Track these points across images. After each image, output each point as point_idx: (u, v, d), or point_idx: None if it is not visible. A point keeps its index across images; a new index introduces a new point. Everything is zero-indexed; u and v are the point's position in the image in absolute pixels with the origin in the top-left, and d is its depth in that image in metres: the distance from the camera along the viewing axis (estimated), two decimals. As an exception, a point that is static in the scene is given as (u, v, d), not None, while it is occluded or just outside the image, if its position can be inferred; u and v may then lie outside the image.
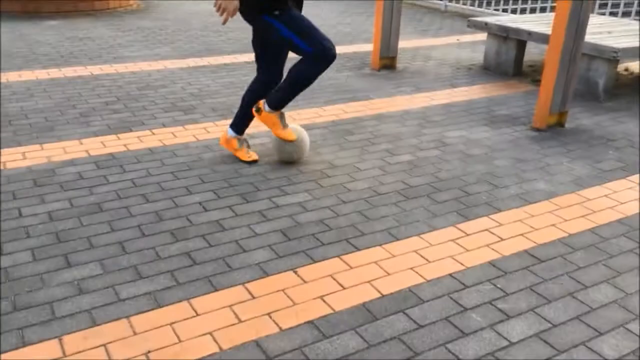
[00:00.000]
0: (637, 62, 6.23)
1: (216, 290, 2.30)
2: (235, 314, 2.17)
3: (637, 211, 3.07)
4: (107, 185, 3.17)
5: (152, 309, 2.18)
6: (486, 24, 5.89)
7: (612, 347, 2.05)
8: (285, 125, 3.46)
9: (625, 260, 2.61)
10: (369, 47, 6.83)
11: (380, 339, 2.05)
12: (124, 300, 2.22)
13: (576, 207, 3.10)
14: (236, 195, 3.10)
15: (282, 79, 3.32)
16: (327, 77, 5.51)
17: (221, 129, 4.07)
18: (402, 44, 6.65)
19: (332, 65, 6.02)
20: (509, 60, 5.79)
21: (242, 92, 5.13)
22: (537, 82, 5.62)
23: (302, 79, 3.20)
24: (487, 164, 3.62)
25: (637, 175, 3.53)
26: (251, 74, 5.49)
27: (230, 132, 3.57)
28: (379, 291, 2.32)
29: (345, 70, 5.80)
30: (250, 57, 6.15)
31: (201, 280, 2.36)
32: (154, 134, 3.95)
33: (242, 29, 7.52)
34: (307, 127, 4.15)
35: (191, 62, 5.93)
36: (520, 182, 3.39)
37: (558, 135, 4.17)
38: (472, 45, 7.16)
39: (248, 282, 2.36)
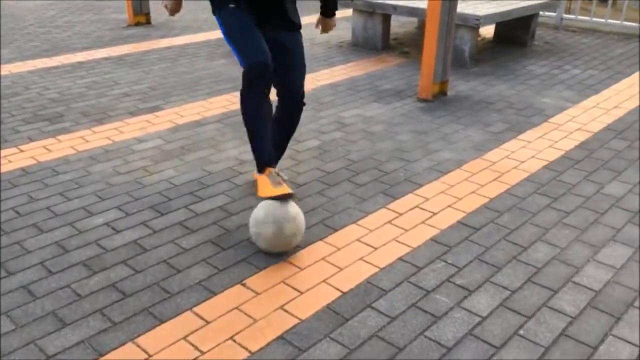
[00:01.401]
0: (488, 28, 6.68)
1: (161, 322, 2.01)
2: (193, 345, 1.91)
3: (539, 167, 3.26)
4: (-17, 220, 2.65)
5: (94, 360, 1.84)
6: (352, 0, 5.91)
7: (570, 303, 2.13)
8: (275, 184, 2.41)
9: (546, 216, 2.74)
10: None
11: (358, 340, 1.93)
12: (54, 357, 1.85)
13: (486, 172, 3.21)
14: (147, 209, 2.76)
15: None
16: (202, 67, 5.18)
17: (101, 135, 3.62)
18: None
19: (203, 53, 5.76)
20: (377, 35, 5.88)
21: (109, 91, 4.73)
22: (405, 53, 5.79)
23: (243, 114, 2.52)
24: (392, 140, 3.62)
25: (525, 133, 3.76)
26: (114, 71, 5.01)
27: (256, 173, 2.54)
28: (338, 289, 2.19)
29: (218, 58, 5.49)
30: (108, 52, 5.61)
31: (140, 315, 2.05)
32: (22, 151, 3.40)
33: (86, 22, 6.82)
34: (199, 123, 3.85)
35: (39, 63, 5.23)
36: (428, 154, 3.43)
37: (444, 104, 4.31)
38: (343, 23, 7.18)
39: (195, 305, 2.10)
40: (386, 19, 5.85)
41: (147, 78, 4.85)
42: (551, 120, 4.01)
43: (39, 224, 2.62)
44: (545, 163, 3.31)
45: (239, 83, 4.61)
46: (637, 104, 4.32)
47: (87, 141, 3.55)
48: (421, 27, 6.80)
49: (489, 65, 5.38)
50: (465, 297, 2.15)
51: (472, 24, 5.09)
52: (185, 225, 2.63)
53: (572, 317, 2.05)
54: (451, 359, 1.85)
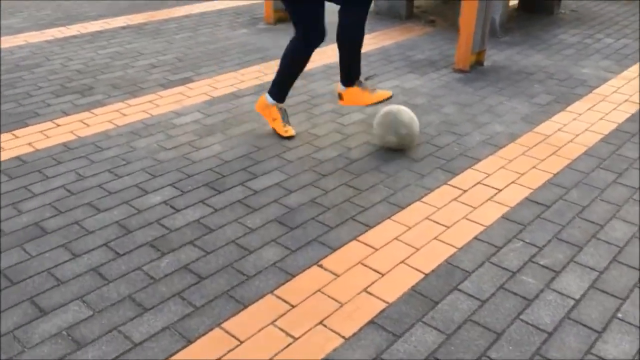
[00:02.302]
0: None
1: (245, 306, 1.93)
2: (283, 331, 1.83)
3: (596, 140, 3.17)
4: (34, 199, 2.53)
5: (184, 347, 1.76)
6: (376, -34, 5.70)
7: (660, 283, 2.07)
8: (373, 90, 3.16)
9: (615, 192, 2.66)
10: (252, -1, 6.39)
11: (453, 325, 1.86)
12: (141, 345, 1.76)
13: (542, 146, 3.12)
14: (203, 187, 2.65)
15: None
16: (225, 37, 5.01)
17: (137, 109, 3.48)
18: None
19: (224, 22, 5.57)
20: (401, 3, 5.70)
21: (135, 62, 4.56)
22: (431, 22, 5.63)
23: (289, 57, 2.98)
24: (437, 113, 3.51)
25: (573, 105, 3.66)
26: (135, 41, 4.83)
27: (270, 99, 3.10)
28: (419, 270, 2.11)
29: (239, 27, 5.31)
30: (125, 20, 5.41)
31: (221, 298, 1.96)
32: (58, 125, 3.26)
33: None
34: (236, 95, 3.72)
35: (56, 32, 5.03)
36: (478, 127, 3.33)
37: (482, 75, 4.19)
38: None
39: (275, 288, 2.01)
40: (411, -14, 5.67)
41: (171, 48, 4.67)
42: (596, 91, 3.90)
43: (94, 203, 2.51)
44: (600, 136, 3.22)
45: (267, 53, 4.53)
46: (679, 74, 4.22)
47: (124, 115, 3.41)
48: (443, -6, 6.62)
49: (519, 34, 5.24)
50: (552, 279, 2.08)
51: (505, -9, 4.93)
52: (245, 203, 2.53)
53: (666, 298, 1.99)
54: (555, 345, 1.79)
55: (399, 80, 4.06)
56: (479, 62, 4.37)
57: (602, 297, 1.99)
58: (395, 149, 3.00)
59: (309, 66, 4.25)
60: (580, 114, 3.53)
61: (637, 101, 3.73)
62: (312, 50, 2.92)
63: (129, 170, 2.78)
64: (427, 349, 1.76)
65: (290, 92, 3.74)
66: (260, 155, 2.95)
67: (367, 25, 5.44)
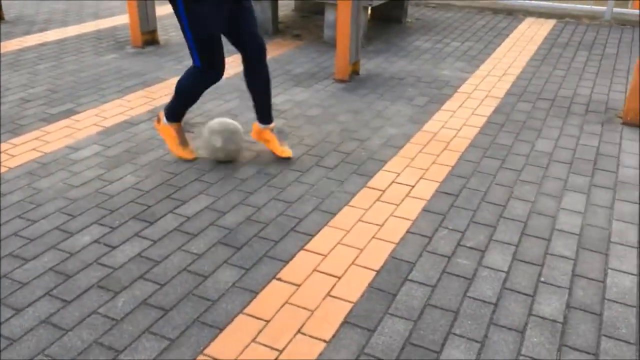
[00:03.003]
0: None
1: (221, 330, 1.94)
2: (266, 346, 1.87)
3: (475, 133, 3.59)
4: None
5: None
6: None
7: (565, 247, 2.45)
8: (185, 143, 3.08)
9: (505, 175, 3.06)
10: (110, 22, 6.15)
11: (416, 312, 2.05)
12: (128, 387, 1.70)
13: (434, 143, 3.46)
14: (131, 220, 2.56)
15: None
16: (95, 63, 4.79)
17: (24, 148, 3.23)
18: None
19: (88, 48, 5.29)
20: (267, 20, 5.88)
21: (3, 99, 4.16)
22: (297, 36, 5.88)
23: (185, 91, 2.92)
24: (335, 122, 3.72)
25: (446, 104, 4.09)
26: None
27: (164, 120, 3.08)
28: (370, 269, 2.28)
29: (107, 53, 5.10)
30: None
31: (193, 327, 1.95)
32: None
33: None
34: (130, 123, 3.60)
35: None
36: (374, 131, 3.60)
37: (361, 83, 4.50)
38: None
39: (244, 307, 2.04)
40: (275, 3, 5.87)
41: (38, 80, 4.37)
42: (460, 90, 4.39)
43: (17, 253, 2.32)
44: (477, 129, 3.66)
45: (146, 78, 4.44)
46: (519, 70, 4.89)
47: (12, 155, 3.15)
48: (297, 9, 6.92)
49: (380, 42, 5.68)
50: (482, 257, 2.36)
51: (366, 4, 5.32)
52: (182, 230, 2.50)
53: (572, 259, 2.36)
54: (502, 313, 2.05)
55: (287, 94, 4.22)
56: (355, 72, 4.68)
57: (524, 266, 2.31)
58: (226, 160, 3.13)
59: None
60: (454, 112, 3.96)
61: (496, 95, 4.27)
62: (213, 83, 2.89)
63: (42, 214, 2.60)
64: (401, 337, 1.93)
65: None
66: (180, 181, 2.92)
67: (238, 43, 5.52)
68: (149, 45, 5.35)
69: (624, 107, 3.80)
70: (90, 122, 3.63)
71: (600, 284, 2.21)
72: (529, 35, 6.01)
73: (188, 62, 4.92)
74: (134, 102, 3.97)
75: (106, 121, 3.64)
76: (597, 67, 4.97)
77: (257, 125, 3.16)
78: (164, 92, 4.19)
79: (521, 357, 1.84)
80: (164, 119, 3.05)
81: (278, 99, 4.10)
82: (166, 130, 3.06)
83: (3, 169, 3.00)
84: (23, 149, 3.23)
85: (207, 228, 2.53)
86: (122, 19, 6.38)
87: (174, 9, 2.66)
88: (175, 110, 3.00)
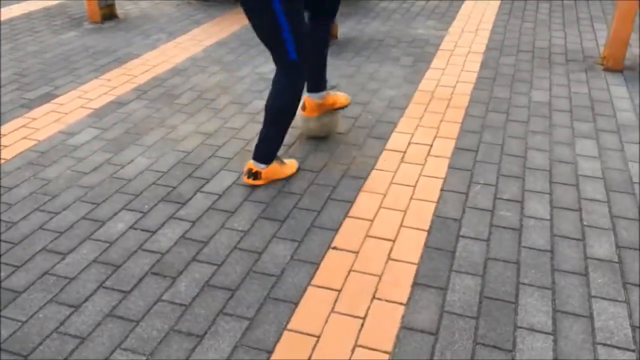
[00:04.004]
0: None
1: (296, 304, 1.90)
2: (347, 315, 1.85)
3: (471, 89, 3.62)
4: (-34, 262, 2.08)
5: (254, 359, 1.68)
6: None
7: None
8: (282, 163, 2.63)
9: (514, 128, 3.12)
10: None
11: (479, 266, 2.07)
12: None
13: (435, 101, 3.46)
14: (161, 203, 2.44)
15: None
16: (56, 42, 4.48)
17: (14, 137, 2.99)
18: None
19: (41, 27, 4.92)
20: (227, -13, 5.66)
21: None
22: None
23: (288, 104, 2.45)
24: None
25: (433, 62, 4.10)
26: None
27: (262, 166, 2.55)
28: (420, 229, 2.28)
29: (64, 31, 4.77)
30: None
31: (267, 304, 1.89)
32: None
33: None
34: (119, 103, 3.41)
35: None
36: (373, 94, 3.57)
37: (343, 47, 4.43)
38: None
39: (311, 279, 2.01)
40: (234, -31, 5.65)
41: (1, 64, 4.04)
42: (441, 47, 4.41)
43: (50, 247, 2.16)
44: (472, 85, 3.69)
45: (118, 55, 4.21)
46: (491, 25, 4.96)
47: (4, 146, 2.92)
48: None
49: (344, 5, 5.58)
50: (522, 208, 2.41)
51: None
52: (218, 208, 2.41)
53: (605, 201, 2.45)
54: (559, 258, 2.11)
55: (272, 63, 4.10)
56: (334, 36, 4.60)
57: (564, 212, 2.38)
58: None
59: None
60: (444, 69, 3.98)
61: (477, 51, 4.32)
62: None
63: (62, 204, 2.44)
64: (474, 292, 1.95)
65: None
66: (195, 159, 2.80)
67: (202, 10, 5.30)
68: (108, 20, 5.05)
69: (605, 54, 3.94)
70: (75, 104, 3.40)
71: (638, 223, 2.31)
72: (488, -9, 6.09)
73: (157, 36, 4.68)
74: (115, 81, 3.75)
75: (92, 103, 3.43)
76: (562, 18, 5.11)
77: (316, 95, 2.83)
78: (142, 68, 3.97)
79: (593, 299, 1.91)
80: (259, 166, 2.54)
81: (265, 68, 3.98)
82: (271, 171, 2.57)
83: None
84: (13, 138, 3.00)
85: (243, 204, 2.44)
86: (69, -6, 5.97)
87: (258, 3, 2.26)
88: (274, 144, 2.54)
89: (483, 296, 1.93)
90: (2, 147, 2.90)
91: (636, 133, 3.03)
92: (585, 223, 2.31)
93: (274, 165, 2.58)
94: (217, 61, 4.11)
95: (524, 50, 4.32)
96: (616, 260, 2.09)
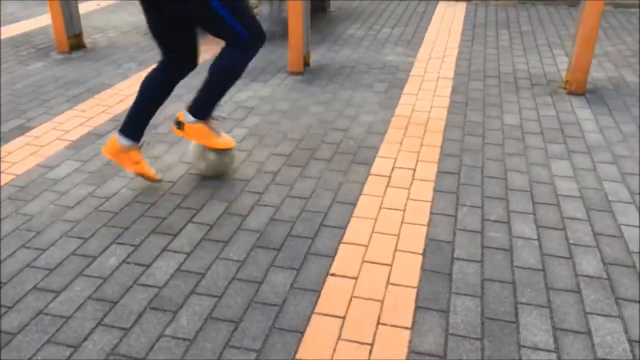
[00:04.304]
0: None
1: (302, 333, 1.89)
2: (355, 342, 1.85)
3: (445, 114, 3.73)
4: (-48, 304, 1.99)
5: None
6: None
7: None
8: (218, 133, 2.79)
9: (492, 150, 3.22)
10: (18, 28, 5.66)
11: (477, 287, 2.12)
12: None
13: (413, 126, 3.54)
14: (152, 235, 2.40)
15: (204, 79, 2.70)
16: (23, 73, 4.39)
17: (-13, 171, 2.91)
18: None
19: (8, 57, 4.81)
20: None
21: None
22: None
23: (232, 72, 2.65)
24: (308, 114, 3.69)
25: (405, 88, 4.20)
26: None
27: (124, 140, 2.69)
28: (415, 252, 2.31)
29: (31, 61, 4.68)
30: None
31: (272, 335, 1.88)
32: None
33: None
34: (97, 134, 3.35)
35: None
36: (352, 120, 3.62)
37: (316, 74, 4.49)
38: (127, 6, 6.65)
39: (314, 308, 2.00)
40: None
41: (-34, 96, 3.93)
42: (412, 73, 4.53)
43: (41, 286, 2.09)
44: (445, 109, 3.80)
45: (90, 85, 4.16)
46: (456, 51, 5.12)
47: (-21, 181, 2.83)
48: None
49: (313, 33, 5.68)
50: (510, 229, 2.48)
51: (301, -5, 5.30)
52: (211, 239, 2.38)
53: (586, 220, 2.55)
54: (553, 279, 2.17)
55: (249, 90, 4.12)
56: (306, 63, 4.67)
57: (549, 232, 2.46)
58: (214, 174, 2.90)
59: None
60: (417, 94, 4.08)
61: (447, 77, 4.45)
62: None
63: (48, 240, 2.36)
64: (475, 313, 1.99)
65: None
66: (182, 189, 2.78)
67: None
68: (76, 50, 4.98)
69: (568, 79, 4.13)
70: (51, 137, 3.32)
71: (620, 239, 2.41)
72: (449, 18, 6.30)
73: (128, 65, 4.63)
74: (89, 112, 3.69)
75: (69, 134, 3.36)
76: (522, 44, 5.33)
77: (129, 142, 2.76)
78: (117, 98, 3.93)
79: (589, 315, 1.98)
80: (188, 118, 2.71)
81: (242, 96, 4.00)
82: (196, 129, 2.72)
83: (-24, 198, 2.68)
84: (-12, 173, 2.91)
85: (236, 233, 2.43)
86: (31, 24, 5.87)
87: None
88: (209, 103, 2.71)
89: (484, 317, 1.97)
90: (-23, 183, 2.81)
91: (605, 153, 3.17)
92: (571, 241, 2.39)
93: (204, 126, 2.72)
94: (190, 90, 4.09)
95: (491, 75, 4.48)
96: (605, 276, 2.17)
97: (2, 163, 3.01)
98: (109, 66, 4.61)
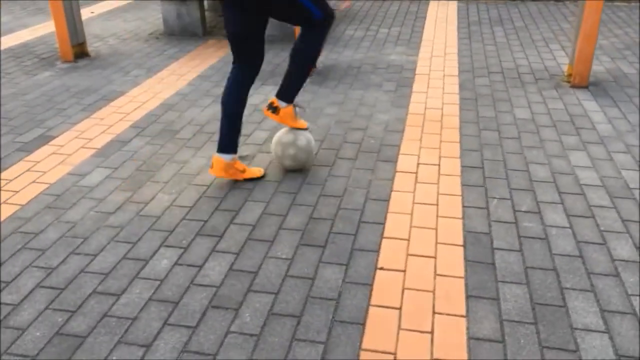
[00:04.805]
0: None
1: (363, 324, 1.96)
2: (414, 331, 1.93)
3: (457, 110, 3.83)
4: (20, 313, 2.01)
5: (357, 381, 1.73)
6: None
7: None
8: (297, 115, 3.02)
9: (509, 145, 3.32)
10: (16, 38, 5.64)
11: (521, 274, 2.21)
12: None
13: (428, 123, 3.64)
14: (198, 237, 2.45)
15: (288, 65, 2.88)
16: (33, 84, 4.39)
17: (20, 183, 2.92)
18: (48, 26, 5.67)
19: (12, 69, 4.79)
20: (196, 21, 5.71)
21: None
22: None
23: (314, 52, 2.82)
24: (326, 116, 3.77)
25: (413, 86, 4.30)
26: None
27: (227, 157, 2.86)
28: (454, 245, 2.40)
29: (38, 71, 4.67)
30: None
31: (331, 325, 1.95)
32: (-62, 224, 2.55)
33: None
34: (121, 141, 3.38)
35: None
36: (367, 119, 3.70)
37: (324, 76, 4.56)
38: (121, 14, 6.64)
39: (369, 301, 2.08)
40: (202, 4, 5.71)
41: (-21, 107, 3.92)
42: (418, 72, 4.62)
43: (100, 289, 2.13)
44: (457, 106, 3.90)
45: (103, 92, 4.17)
46: (456, 49, 5.24)
47: (14, 192, 2.84)
48: (211, 9, 6.78)
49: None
50: (541, 218, 2.58)
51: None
52: (256, 238, 2.44)
53: (612, 207, 2.66)
54: (592, 264, 2.28)
55: (260, 94, 4.17)
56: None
57: (580, 220, 2.57)
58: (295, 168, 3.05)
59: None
60: (426, 92, 4.18)
61: (452, 74, 4.55)
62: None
63: (97, 246, 2.40)
64: (524, 299, 2.08)
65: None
66: (217, 192, 2.83)
67: (174, 47, 5.32)
68: (81, 59, 4.98)
69: (572, 72, 4.26)
70: (76, 145, 3.34)
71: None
72: (442, 17, 6.42)
73: (136, 72, 4.65)
74: (108, 120, 3.71)
75: (93, 142, 3.38)
76: (518, 40, 5.47)
77: (227, 157, 2.92)
78: (133, 105, 3.96)
79: (631, 297, 2.08)
80: (281, 104, 2.91)
81: (255, 99, 4.05)
82: (287, 112, 2.93)
83: (14, 208, 2.69)
84: (21, 183, 2.92)
85: (279, 233, 2.49)
86: (28, 34, 5.84)
87: None
88: (295, 86, 2.89)
89: (534, 302, 2.06)
90: (12, 193, 2.82)
91: (618, 143, 3.30)
92: (602, 228, 2.50)
93: (291, 110, 2.93)
94: (205, 95, 4.13)
95: (494, 71, 4.60)
96: (638, 260, 2.28)
97: (32, 173, 3.03)
98: (117, 74, 4.63)
